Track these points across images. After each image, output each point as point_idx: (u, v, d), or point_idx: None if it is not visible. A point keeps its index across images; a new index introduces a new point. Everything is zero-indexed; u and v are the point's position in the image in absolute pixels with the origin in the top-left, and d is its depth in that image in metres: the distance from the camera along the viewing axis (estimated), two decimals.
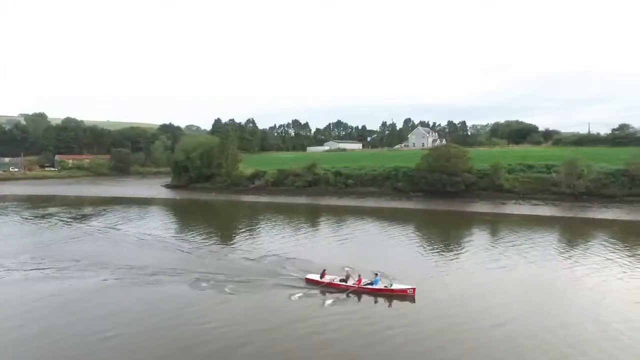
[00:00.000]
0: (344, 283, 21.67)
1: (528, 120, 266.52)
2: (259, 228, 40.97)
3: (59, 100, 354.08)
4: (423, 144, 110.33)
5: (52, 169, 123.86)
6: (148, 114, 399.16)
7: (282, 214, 50.19)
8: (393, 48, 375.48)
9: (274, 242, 33.61)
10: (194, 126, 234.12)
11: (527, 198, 57.06)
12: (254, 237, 35.92)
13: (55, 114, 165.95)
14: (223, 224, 45.35)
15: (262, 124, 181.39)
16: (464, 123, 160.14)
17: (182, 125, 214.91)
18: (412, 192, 63.41)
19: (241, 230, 40.10)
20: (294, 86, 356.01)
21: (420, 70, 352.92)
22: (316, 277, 22.38)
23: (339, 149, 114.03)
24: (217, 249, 31.39)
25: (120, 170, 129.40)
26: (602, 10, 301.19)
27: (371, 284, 21.19)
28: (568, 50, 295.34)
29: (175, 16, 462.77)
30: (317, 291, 21.45)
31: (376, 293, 20.76)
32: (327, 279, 22.14)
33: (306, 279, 22.60)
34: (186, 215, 52.02)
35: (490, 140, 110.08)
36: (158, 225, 41.71)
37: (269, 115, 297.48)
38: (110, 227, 40.30)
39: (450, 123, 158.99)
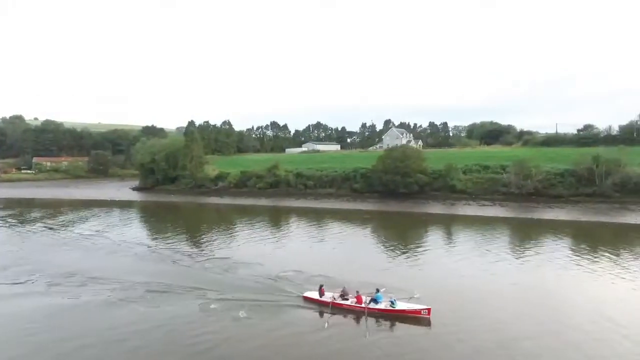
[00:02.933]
0: (346, 302, 19.15)
1: (522, 121, 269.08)
2: (226, 233, 39.48)
3: (50, 103, 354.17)
4: (397, 145, 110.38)
5: (29, 171, 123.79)
6: (142, 117, 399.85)
7: (246, 218, 49.23)
8: (378, 50, 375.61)
9: (247, 248, 32.10)
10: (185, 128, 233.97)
11: (478, 198, 57.23)
12: (225, 243, 34.29)
13: (46, 117, 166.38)
14: (187, 229, 43.14)
15: (244, 126, 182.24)
16: (445, 124, 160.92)
17: (173, 127, 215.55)
18: (368, 193, 63.66)
19: (209, 236, 38.23)
20: (278, 89, 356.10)
21: (409, 71, 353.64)
22: (315, 295, 19.89)
23: (313, 151, 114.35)
24: (191, 258, 29.14)
25: (100, 172, 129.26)
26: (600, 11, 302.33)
27: (375, 300, 18.68)
28: (564, 51, 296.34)
29: (161, 18, 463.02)
30: (317, 312, 18.83)
31: (383, 314, 18.12)
32: (327, 296, 19.57)
33: (304, 297, 20.07)
34: (148, 219, 51.94)
35: (461, 141, 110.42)
36: (119, 230, 40.80)
37: (259, 117, 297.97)
38: (58, 231, 40.25)
39: (431, 124, 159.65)
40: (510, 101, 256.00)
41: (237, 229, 41.94)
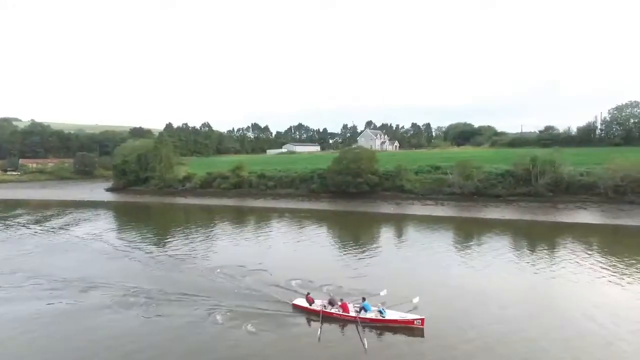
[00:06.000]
0: (337, 311, 18.60)
1: (513, 121, 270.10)
2: (194, 232, 40.36)
3: (48, 105, 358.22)
4: (371, 146, 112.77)
5: (14, 173, 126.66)
6: (138, 118, 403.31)
7: (211, 217, 51.61)
8: (364, 53, 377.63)
9: (225, 250, 32.79)
10: None
11: (424, 198, 59.16)
12: (201, 245, 34.69)
13: (44, 118, 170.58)
14: (157, 229, 44.39)
15: (226, 127, 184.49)
16: (428, 125, 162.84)
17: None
18: (324, 193, 65.80)
19: (178, 236, 38.92)
20: (264, 92, 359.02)
21: (396, 74, 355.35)
22: (304, 302, 19.46)
23: (289, 152, 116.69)
24: (155, 258, 29.74)
25: (85, 173, 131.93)
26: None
27: (364, 309, 18.22)
28: (556, 54, 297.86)
29: (153, 20, 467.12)
30: (308, 322, 18.23)
31: (375, 324, 17.49)
32: (316, 304, 19.08)
33: (293, 304, 19.65)
34: (117, 218, 54.12)
35: (432, 142, 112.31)
36: (90, 229, 42.43)
37: (243, 119, 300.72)
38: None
39: (414, 125, 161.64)
40: (505, 102, 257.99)
41: (204, 228, 43.13)
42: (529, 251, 31.14)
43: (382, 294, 19.83)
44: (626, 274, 24.55)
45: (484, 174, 57.43)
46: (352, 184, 61.58)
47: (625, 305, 19.75)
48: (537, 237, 36.59)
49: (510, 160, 66.69)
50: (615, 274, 24.67)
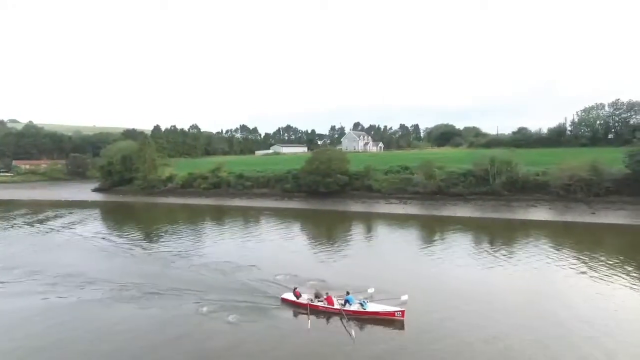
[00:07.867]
0: (323, 304, 19.60)
1: (515, 121, 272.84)
2: (181, 231, 41.86)
3: (47, 106, 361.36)
4: (354, 147, 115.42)
5: (8, 174, 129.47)
6: (135, 119, 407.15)
7: (193, 216, 54.02)
8: (355, 55, 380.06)
9: (205, 246, 34.20)
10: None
11: (391, 197, 61.61)
12: (184, 242, 36.07)
13: (43, 119, 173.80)
14: (139, 227, 46.00)
15: (215, 129, 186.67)
16: (416, 126, 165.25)
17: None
18: (297, 193, 68.22)
19: (162, 235, 40.37)
20: (257, 95, 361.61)
21: (386, 75, 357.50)
22: (292, 296, 20.48)
23: (274, 153, 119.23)
24: (143, 253, 31.39)
25: (78, 174, 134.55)
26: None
27: (347, 302, 19.20)
28: (560, 52, 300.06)
29: (151, 22, 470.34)
30: (295, 315, 19.29)
31: (357, 316, 18.48)
32: (303, 298, 20.24)
33: (282, 298, 20.78)
34: (97, 216, 56.27)
35: (412, 143, 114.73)
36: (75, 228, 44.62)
37: (234, 121, 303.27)
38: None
39: (402, 126, 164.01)
40: (505, 102, 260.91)
41: (186, 226, 44.89)
42: (486, 246, 33.13)
43: (369, 291, 20.66)
44: (563, 265, 27.28)
45: (446, 173, 59.78)
46: (322, 183, 63.98)
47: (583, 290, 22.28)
48: (492, 234, 38.82)
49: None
50: (563, 265, 27.25)
